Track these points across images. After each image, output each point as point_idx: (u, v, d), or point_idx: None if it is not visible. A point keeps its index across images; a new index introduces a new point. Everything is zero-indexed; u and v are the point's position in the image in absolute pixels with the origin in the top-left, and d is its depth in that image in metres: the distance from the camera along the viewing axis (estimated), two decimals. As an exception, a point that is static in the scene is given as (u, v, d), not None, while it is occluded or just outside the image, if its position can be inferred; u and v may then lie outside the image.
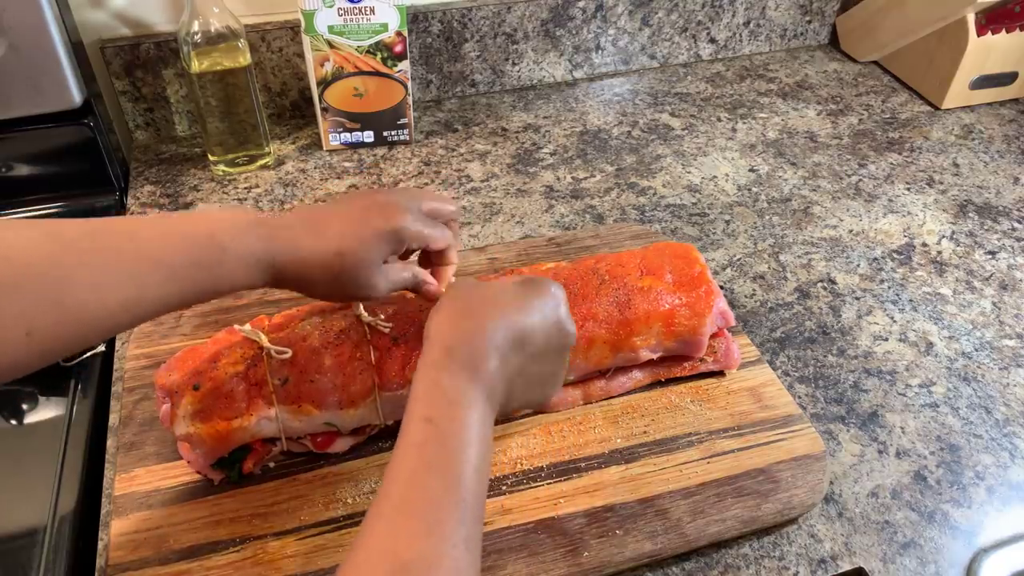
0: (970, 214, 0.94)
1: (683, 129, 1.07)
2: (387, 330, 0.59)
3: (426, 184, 0.94)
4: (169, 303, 0.46)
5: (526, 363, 0.49)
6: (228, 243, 0.47)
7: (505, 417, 0.64)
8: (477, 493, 0.41)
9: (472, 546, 0.40)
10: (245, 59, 0.86)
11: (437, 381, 0.45)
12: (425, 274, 0.57)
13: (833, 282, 0.83)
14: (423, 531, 0.38)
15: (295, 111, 1.04)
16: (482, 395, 0.45)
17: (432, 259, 0.59)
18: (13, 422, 0.66)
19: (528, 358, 0.49)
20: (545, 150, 1.01)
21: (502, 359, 0.47)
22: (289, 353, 0.57)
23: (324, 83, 0.92)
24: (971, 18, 1.06)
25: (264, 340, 0.58)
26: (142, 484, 0.59)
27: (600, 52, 1.15)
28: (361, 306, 0.61)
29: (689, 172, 0.98)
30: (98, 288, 0.42)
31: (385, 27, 0.89)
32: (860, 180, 0.99)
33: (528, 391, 0.52)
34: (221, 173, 0.93)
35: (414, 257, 0.59)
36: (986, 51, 1.08)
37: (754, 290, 0.82)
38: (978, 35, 1.06)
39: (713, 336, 0.68)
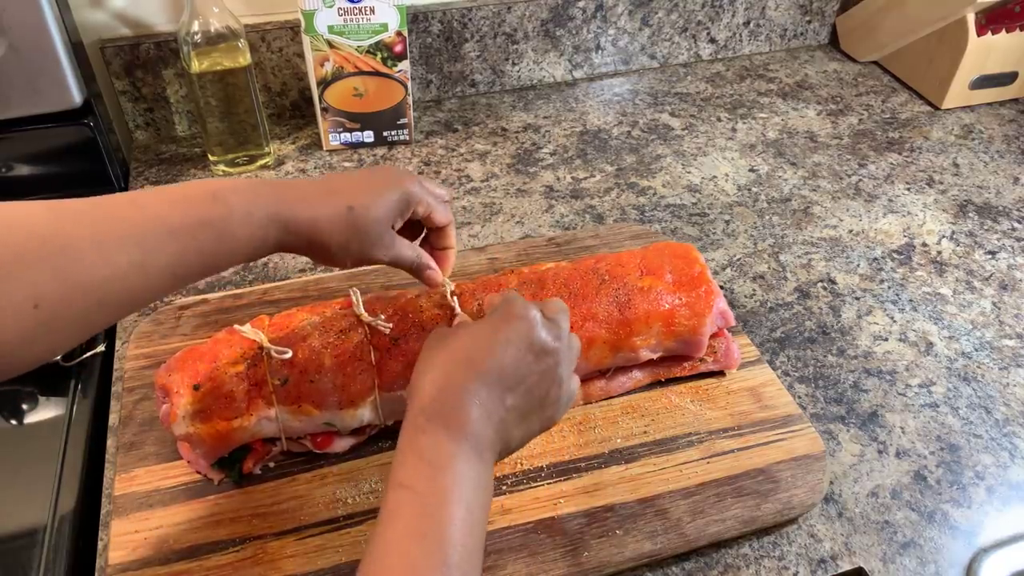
0: (970, 214, 0.94)
1: (683, 129, 1.07)
2: (387, 330, 0.59)
3: (426, 184, 0.94)
4: (176, 270, 0.44)
5: (517, 399, 0.48)
6: (233, 201, 0.46)
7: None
8: (465, 552, 0.40)
9: None
10: (245, 59, 0.86)
11: (414, 444, 0.44)
12: (429, 258, 0.57)
13: (833, 282, 0.83)
14: None
15: (295, 111, 1.04)
16: (468, 450, 0.44)
17: (433, 243, 0.59)
18: (13, 422, 0.66)
19: (517, 394, 0.48)
20: (545, 150, 1.01)
21: (486, 408, 0.46)
22: (289, 353, 0.57)
23: (324, 83, 0.92)
24: (971, 18, 1.06)
25: (264, 340, 0.58)
26: (142, 484, 0.59)
27: (600, 52, 1.15)
28: (361, 306, 0.61)
29: (689, 172, 0.98)
30: (103, 253, 0.41)
31: (385, 27, 0.89)
32: (860, 180, 0.99)
33: (527, 423, 0.50)
34: (221, 173, 0.93)
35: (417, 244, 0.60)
36: (986, 51, 1.08)
37: (754, 290, 0.82)
38: (978, 35, 1.06)
39: (713, 336, 0.68)
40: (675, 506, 0.59)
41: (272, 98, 1.02)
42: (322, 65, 0.91)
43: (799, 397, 0.71)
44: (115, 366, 0.70)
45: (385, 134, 0.99)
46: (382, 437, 0.63)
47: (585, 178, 0.96)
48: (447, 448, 0.44)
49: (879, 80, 1.20)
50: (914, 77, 1.17)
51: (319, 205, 0.50)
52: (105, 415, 0.66)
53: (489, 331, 0.49)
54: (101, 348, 0.71)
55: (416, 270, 0.57)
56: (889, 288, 0.83)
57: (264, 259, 0.82)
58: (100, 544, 0.57)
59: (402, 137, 1.00)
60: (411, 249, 0.56)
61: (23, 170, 0.86)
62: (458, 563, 0.40)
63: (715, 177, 0.98)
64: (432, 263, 0.58)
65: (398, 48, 0.91)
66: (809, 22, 1.26)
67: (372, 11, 0.88)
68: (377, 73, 0.93)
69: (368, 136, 0.98)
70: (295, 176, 0.94)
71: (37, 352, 0.40)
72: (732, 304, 0.79)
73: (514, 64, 1.11)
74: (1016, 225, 0.92)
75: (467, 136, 1.03)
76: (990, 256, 0.88)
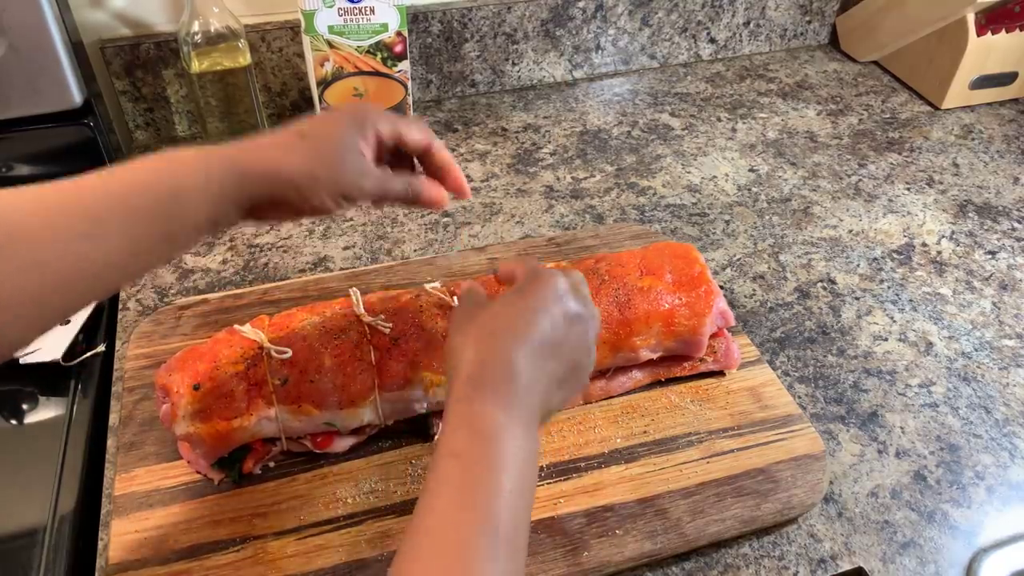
0: (970, 214, 0.94)
1: (683, 129, 1.07)
2: (387, 330, 0.59)
3: (426, 184, 0.94)
4: (134, 245, 0.43)
5: (555, 367, 0.48)
6: (185, 161, 0.45)
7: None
8: (514, 522, 0.40)
9: (510, 570, 0.38)
10: (245, 59, 0.86)
11: (463, 414, 0.43)
12: (422, 182, 0.54)
13: (833, 282, 0.83)
14: (453, 567, 0.37)
15: (295, 111, 1.04)
16: (516, 419, 0.43)
17: (428, 170, 0.56)
18: (13, 422, 0.66)
19: (555, 362, 0.48)
20: (545, 150, 1.01)
21: (531, 376, 0.45)
22: (289, 353, 0.57)
23: (324, 83, 0.92)
24: (971, 18, 1.06)
25: (264, 340, 0.58)
26: (142, 484, 0.59)
27: (600, 52, 1.15)
28: (361, 306, 0.61)
29: (689, 172, 0.98)
30: (55, 232, 0.40)
31: (385, 27, 0.89)
32: (860, 180, 0.99)
33: (563, 390, 0.49)
34: (221, 173, 0.93)
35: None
36: (986, 51, 1.08)
37: (754, 290, 0.82)
38: (978, 35, 1.06)
39: (713, 336, 0.68)
40: (675, 506, 0.59)
41: (272, 98, 1.02)
42: (322, 65, 0.91)
43: (799, 397, 0.71)
44: (115, 366, 0.70)
45: (385, 134, 0.99)
46: (382, 437, 0.63)
47: (585, 178, 0.96)
48: (496, 418, 0.43)
49: (879, 80, 1.20)
50: (914, 77, 1.17)
51: (270, 144, 0.48)
52: (105, 415, 0.66)
53: (522, 301, 0.48)
54: (101, 348, 0.71)
55: (412, 198, 0.54)
56: (889, 288, 0.83)
57: (264, 259, 0.82)
58: (100, 544, 0.57)
59: (402, 137, 0.99)
60: (399, 180, 0.53)
61: (23, 170, 0.86)
62: (507, 533, 0.39)
63: (715, 177, 0.98)
64: (425, 183, 0.54)
65: (398, 48, 0.91)
66: (809, 22, 1.26)
67: (372, 11, 0.88)
68: (377, 73, 0.93)
69: (368, 136, 0.98)
70: (295, 176, 0.94)
71: None
72: (732, 304, 0.79)
73: (514, 64, 1.11)
74: (1016, 225, 0.92)
75: (467, 136, 1.03)
76: (990, 256, 0.88)
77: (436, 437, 0.63)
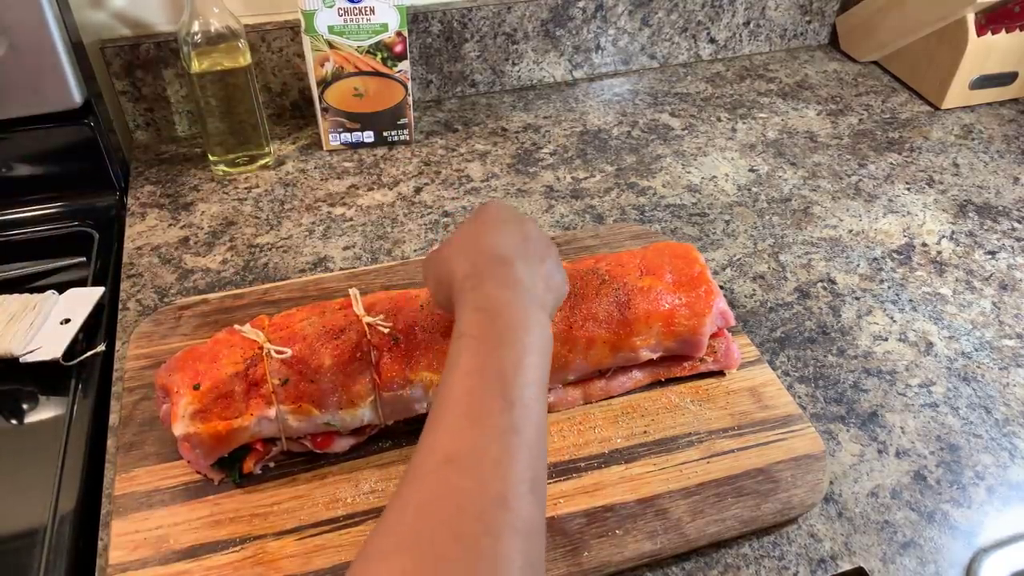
0: (970, 214, 0.94)
1: (683, 129, 1.07)
2: (387, 330, 0.59)
3: (426, 184, 0.94)
4: None
5: (533, 253, 0.50)
6: None
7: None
8: (523, 387, 0.41)
9: (521, 430, 0.39)
10: (245, 59, 0.86)
11: (467, 302, 0.45)
12: None
13: (833, 282, 0.83)
14: (467, 425, 0.38)
15: (295, 111, 1.04)
16: (521, 295, 0.45)
17: None
18: (13, 422, 0.66)
19: (531, 248, 0.50)
20: (545, 150, 1.01)
21: (520, 259, 0.48)
22: (289, 353, 0.57)
23: (324, 83, 0.92)
24: (971, 18, 1.06)
25: (264, 340, 0.58)
26: (142, 484, 0.59)
27: (600, 52, 1.15)
28: (361, 306, 0.61)
29: (689, 172, 0.98)
30: None
31: (385, 27, 0.89)
32: (860, 180, 0.99)
33: (553, 282, 0.51)
34: (221, 173, 0.93)
35: None
36: (986, 51, 1.08)
37: (754, 290, 0.82)
38: (978, 35, 1.06)
39: (713, 336, 0.68)
40: (675, 506, 0.59)
41: (272, 98, 1.02)
42: (322, 65, 0.91)
43: (799, 397, 0.71)
44: (115, 366, 0.70)
45: (385, 134, 0.99)
46: (382, 437, 0.63)
47: (585, 178, 0.96)
48: (501, 296, 0.44)
49: (879, 80, 1.20)
50: (914, 77, 1.17)
51: None
52: (105, 415, 0.66)
53: (475, 219, 0.52)
54: (101, 348, 0.71)
55: None
56: (889, 288, 0.83)
57: (264, 259, 0.82)
58: (100, 544, 0.57)
59: (402, 137, 1.00)
60: None
61: (23, 170, 0.86)
62: (517, 397, 0.40)
63: (715, 177, 0.98)
64: None
65: (398, 48, 0.91)
66: (809, 22, 1.26)
67: (372, 11, 0.88)
68: (377, 73, 0.93)
69: (368, 136, 0.98)
70: (295, 175, 0.94)
71: None
72: (732, 304, 0.79)
73: (514, 64, 1.11)
74: (1016, 225, 0.92)
75: (467, 136, 1.03)
76: (990, 256, 0.88)
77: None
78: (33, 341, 0.70)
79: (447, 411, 0.40)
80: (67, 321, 0.72)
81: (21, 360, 0.68)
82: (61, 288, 0.75)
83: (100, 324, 0.74)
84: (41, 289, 0.74)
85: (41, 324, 0.71)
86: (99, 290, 0.76)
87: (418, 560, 0.34)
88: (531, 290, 0.46)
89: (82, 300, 0.74)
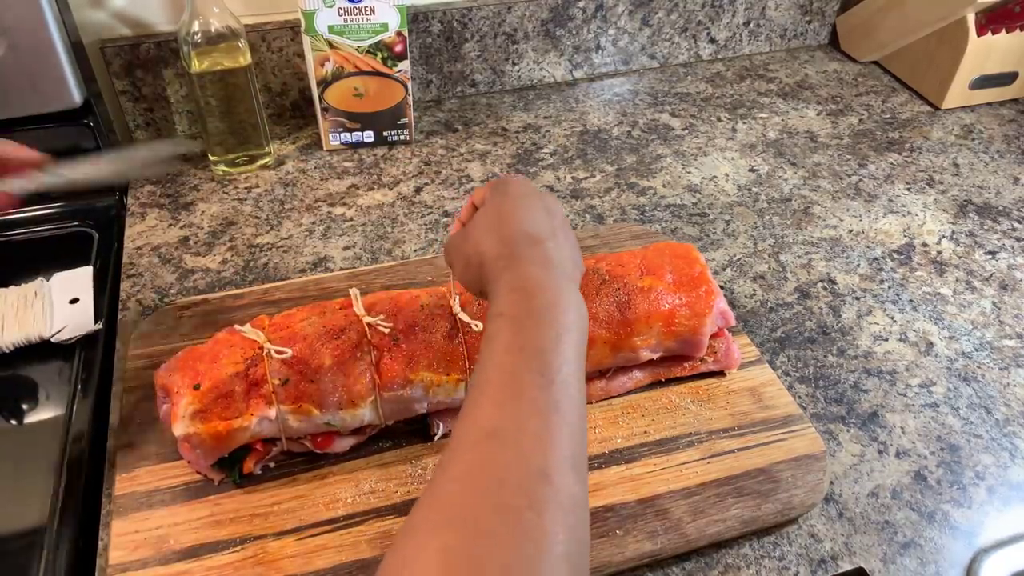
0: (970, 214, 0.94)
1: (683, 129, 1.07)
2: (387, 330, 0.59)
3: (426, 184, 0.94)
4: None
5: (558, 228, 0.50)
6: None
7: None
8: (561, 364, 0.40)
9: (561, 407, 0.39)
10: (245, 59, 0.86)
11: (503, 281, 0.45)
12: None
13: (833, 282, 0.83)
14: (508, 399, 0.38)
15: (295, 111, 1.04)
16: (556, 275, 0.45)
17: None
18: (13, 422, 0.66)
19: (556, 224, 0.50)
20: (545, 150, 1.01)
21: (549, 237, 0.48)
22: (289, 353, 0.57)
23: (324, 83, 0.92)
24: (971, 18, 1.06)
25: (264, 340, 0.58)
26: (142, 484, 0.59)
27: (600, 52, 1.15)
28: (361, 306, 0.61)
29: (689, 172, 0.98)
30: None
31: (385, 27, 0.89)
32: (860, 180, 0.99)
33: (575, 254, 0.51)
34: (221, 173, 0.93)
35: None
36: (986, 51, 1.08)
37: (754, 290, 0.82)
38: (978, 35, 1.06)
39: (713, 336, 0.68)
40: (675, 506, 0.59)
41: (272, 98, 1.02)
42: (322, 65, 0.91)
43: (799, 397, 0.71)
44: (115, 366, 0.70)
45: (385, 134, 0.99)
46: (382, 437, 0.63)
47: (585, 178, 0.96)
48: (535, 275, 0.45)
49: (879, 80, 1.20)
50: (914, 77, 1.17)
51: None
52: (105, 415, 0.66)
53: (500, 197, 0.51)
54: (99, 326, 0.72)
55: None
56: (889, 288, 0.83)
57: (264, 259, 0.82)
58: (100, 544, 0.57)
59: (402, 137, 1.00)
60: None
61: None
62: (556, 375, 0.40)
63: (715, 177, 0.98)
64: None
65: (398, 48, 0.91)
66: (809, 22, 1.26)
67: (372, 11, 0.87)
68: (377, 73, 0.93)
69: (368, 136, 0.98)
70: (295, 175, 0.94)
71: None
72: (732, 304, 0.79)
73: (514, 64, 1.11)
74: (1016, 225, 0.92)
75: (467, 136, 1.03)
76: (990, 256, 0.88)
77: (435, 437, 0.63)
78: (55, 323, 0.71)
79: (488, 386, 0.40)
80: (76, 300, 0.74)
81: (53, 340, 0.70)
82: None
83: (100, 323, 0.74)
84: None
85: (51, 307, 0.72)
86: (87, 269, 0.77)
87: (461, 534, 0.33)
88: (561, 267, 0.46)
89: (77, 280, 0.76)
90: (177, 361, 0.58)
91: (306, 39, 0.88)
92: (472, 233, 0.50)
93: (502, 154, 1.00)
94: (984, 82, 1.12)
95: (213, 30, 0.83)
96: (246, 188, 0.92)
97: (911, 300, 0.81)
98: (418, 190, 0.93)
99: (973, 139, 1.08)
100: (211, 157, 0.93)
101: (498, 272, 0.46)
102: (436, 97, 1.11)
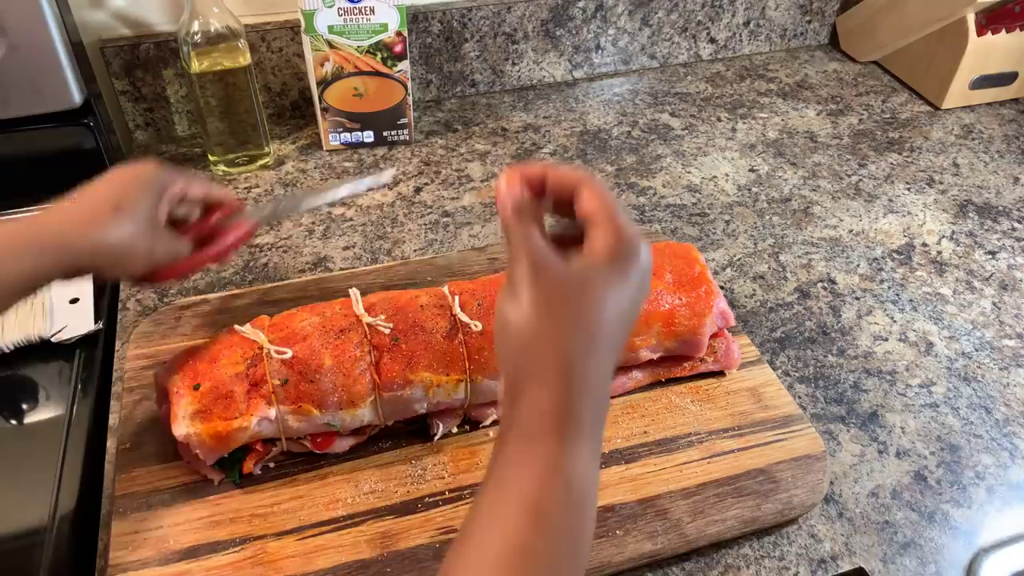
0: (970, 214, 0.94)
1: (683, 129, 1.07)
2: (387, 330, 0.59)
3: (426, 184, 0.94)
4: None
5: (621, 340, 0.43)
6: (6, 241, 0.48)
7: None
8: (552, 552, 0.37)
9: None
10: (245, 59, 0.86)
11: (524, 452, 0.39)
12: (186, 244, 0.57)
13: (833, 282, 0.83)
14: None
15: (295, 111, 1.04)
16: (580, 452, 0.39)
17: (215, 212, 0.60)
18: (13, 422, 0.66)
19: (622, 335, 0.43)
20: (545, 150, 1.01)
21: (603, 392, 0.41)
22: (289, 353, 0.57)
23: (324, 83, 0.92)
24: (971, 18, 1.06)
25: (264, 340, 0.58)
26: (142, 484, 0.59)
27: (600, 52, 1.15)
28: (361, 306, 0.61)
29: (689, 172, 0.98)
30: None
31: (385, 27, 0.89)
32: (860, 180, 0.99)
33: (614, 357, 0.44)
34: (221, 173, 0.93)
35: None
36: (986, 51, 1.08)
37: (754, 290, 0.82)
38: (978, 35, 1.06)
39: (713, 336, 0.68)
40: (675, 506, 0.59)
41: (272, 98, 1.02)
42: (322, 65, 0.91)
43: (799, 397, 0.71)
44: (115, 366, 0.70)
45: (385, 134, 0.99)
46: (382, 437, 0.63)
47: (585, 178, 0.96)
48: (558, 458, 0.38)
49: (879, 80, 1.20)
50: (914, 77, 1.17)
51: (90, 218, 0.51)
52: (105, 415, 0.66)
53: (621, 289, 0.40)
54: (100, 326, 0.72)
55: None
56: (889, 288, 0.83)
57: (264, 259, 0.82)
58: (100, 544, 0.57)
59: (402, 137, 1.00)
60: (177, 240, 0.56)
61: (23, 170, 0.85)
62: (547, 562, 0.37)
63: (715, 177, 0.98)
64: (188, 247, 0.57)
65: (398, 48, 0.91)
66: (809, 22, 1.26)
67: (372, 11, 0.87)
68: (377, 73, 0.93)
69: (368, 136, 0.98)
70: (295, 176, 0.94)
71: None
72: (732, 304, 0.79)
73: (514, 64, 1.11)
74: (1016, 225, 0.92)
75: (467, 136, 1.03)
76: (990, 256, 0.88)
77: (435, 437, 0.63)
78: (55, 322, 0.71)
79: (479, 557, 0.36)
80: (76, 300, 0.73)
81: (53, 340, 0.70)
82: None
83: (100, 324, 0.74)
84: None
85: (51, 307, 0.72)
86: None
87: None
88: (594, 434, 0.41)
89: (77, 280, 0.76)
90: (177, 361, 0.58)
91: (306, 39, 0.88)
92: (552, 315, 0.40)
93: (502, 154, 1.00)
94: (984, 82, 1.12)
95: (213, 30, 0.83)
96: (246, 188, 0.92)
97: (911, 300, 0.81)
98: (418, 190, 0.93)
99: (973, 139, 1.08)
100: (211, 157, 0.93)
101: (527, 430, 0.39)
102: (436, 97, 1.11)
